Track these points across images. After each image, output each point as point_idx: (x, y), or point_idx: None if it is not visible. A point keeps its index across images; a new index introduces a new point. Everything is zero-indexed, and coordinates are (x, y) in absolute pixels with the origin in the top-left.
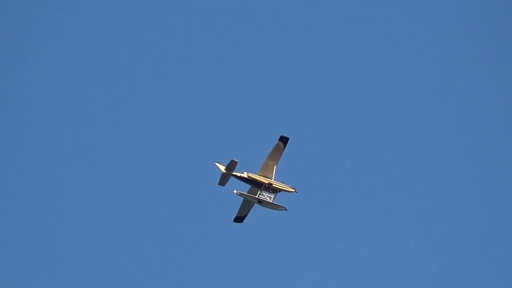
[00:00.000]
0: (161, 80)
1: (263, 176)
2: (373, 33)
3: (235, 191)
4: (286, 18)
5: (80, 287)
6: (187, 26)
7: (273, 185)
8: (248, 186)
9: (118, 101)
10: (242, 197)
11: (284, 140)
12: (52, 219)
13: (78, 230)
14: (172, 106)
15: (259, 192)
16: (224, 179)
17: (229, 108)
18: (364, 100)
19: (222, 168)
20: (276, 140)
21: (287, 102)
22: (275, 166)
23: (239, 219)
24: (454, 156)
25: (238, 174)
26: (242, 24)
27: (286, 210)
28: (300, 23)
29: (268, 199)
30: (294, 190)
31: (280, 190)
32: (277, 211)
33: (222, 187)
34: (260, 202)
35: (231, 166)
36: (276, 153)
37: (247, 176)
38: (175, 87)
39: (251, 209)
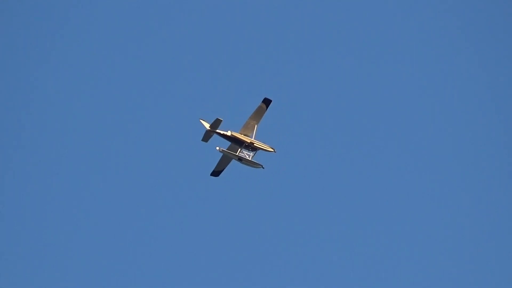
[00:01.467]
0: (153, 41)
1: (244, 135)
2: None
3: (217, 148)
4: None
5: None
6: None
7: (254, 144)
8: (228, 143)
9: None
10: (224, 153)
11: (267, 102)
12: (52, 219)
13: (71, 221)
14: (163, 65)
15: (239, 149)
16: (207, 135)
17: (216, 70)
18: (352, 69)
19: (207, 125)
20: (259, 101)
21: (273, 65)
22: (256, 126)
23: (216, 173)
24: (456, 152)
25: (222, 132)
26: None
27: (264, 168)
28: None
29: (247, 156)
30: (272, 150)
31: (259, 149)
32: (254, 168)
33: (204, 143)
34: (240, 159)
35: (215, 124)
36: (258, 114)
37: (230, 135)
38: (168, 49)
39: (227, 165)
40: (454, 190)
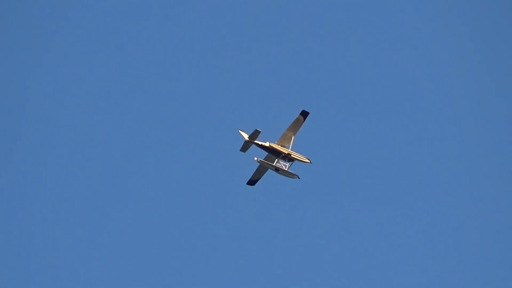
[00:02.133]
0: (186, 51)
1: (281, 146)
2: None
3: (255, 158)
4: None
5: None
6: None
7: (291, 155)
8: (265, 154)
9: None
10: (261, 164)
11: (304, 114)
12: (51, 218)
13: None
14: (203, 76)
15: (276, 160)
16: (246, 146)
17: (256, 82)
18: (383, 82)
19: (246, 136)
20: (297, 113)
21: (312, 78)
22: (293, 137)
23: (252, 182)
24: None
25: (260, 143)
26: None
27: (299, 178)
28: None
29: (284, 167)
30: (308, 161)
31: (295, 160)
32: (290, 178)
33: (243, 153)
34: (277, 169)
35: (254, 134)
36: (295, 126)
37: (268, 146)
38: (203, 58)
39: (263, 174)
40: (454, 190)
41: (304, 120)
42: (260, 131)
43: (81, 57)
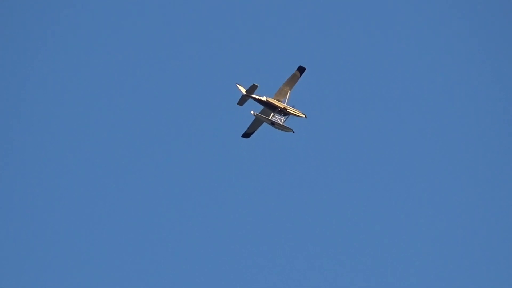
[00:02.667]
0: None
1: (277, 100)
2: None
3: (252, 112)
4: None
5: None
6: None
7: (287, 109)
8: (261, 108)
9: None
10: (258, 117)
11: (301, 70)
12: (50, 218)
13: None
14: (203, 34)
15: (272, 114)
16: (243, 99)
17: (253, 37)
18: (381, 46)
19: (243, 90)
20: (294, 69)
21: (309, 34)
22: (289, 92)
23: (247, 135)
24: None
25: (257, 97)
26: None
27: (294, 132)
28: None
29: (280, 121)
30: (304, 115)
31: (291, 114)
32: (285, 132)
33: (239, 106)
34: (272, 123)
35: (251, 89)
36: (291, 81)
37: (265, 100)
38: (211, 17)
39: (258, 128)
40: (453, 191)
41: (301, 75)
42: (257, 86)
43: (70, 57)
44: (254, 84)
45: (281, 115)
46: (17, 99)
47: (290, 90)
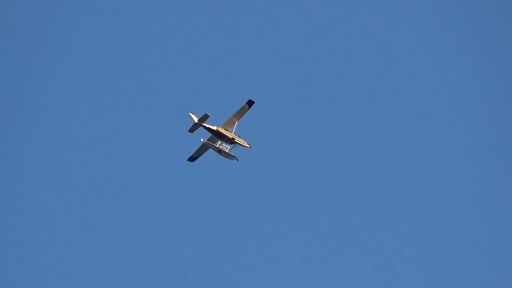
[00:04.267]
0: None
1: (225, 129)
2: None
3: (202, 140)
4: None
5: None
6: None
7: (235, 139)
8: (209, 135)
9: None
10: (207, 144)
11: (250, 103)
12: (49, 217)
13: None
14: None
15: (219, 142)
16: (194, 127)
17: (209, 69)
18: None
19: (196, 118)
20: (243, 102)
21: (261, 70)
22: (236, 123)
23: (192, 159)
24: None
25: (208, 126)
26: None
27: (238, 160)
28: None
29: (225, 149)
30: (248, 146)
31: (237, 143)
32: (229, 160)
33: (190, 133)
34: (219, 151)
35: (203, 118)
36: (240, 113)
37: (215, 129)
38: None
39: (203, 153)
40: (454, 191)
41: (249, 108)
42: (209, 115)
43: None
44: (206, 114)
45: (227, 143)
46: (17, 99)
47: (237, 121)
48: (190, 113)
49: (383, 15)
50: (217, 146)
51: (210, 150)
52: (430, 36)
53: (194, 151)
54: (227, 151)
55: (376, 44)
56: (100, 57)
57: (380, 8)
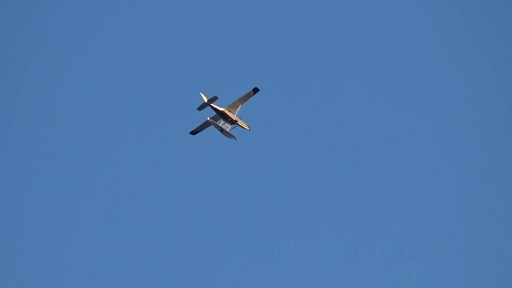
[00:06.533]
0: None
1: (229, 111)
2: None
3: (208, 118)
4: None
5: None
6: None
7: (237, 121)
8: (214, 114)
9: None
10: (211, 123)
11: (255, 90)
12: (49, 217)
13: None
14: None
15: (222, 122)
16: (203, 106)
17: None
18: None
19: (205, 98)
20: (250, 88)
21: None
22: (240, 106)
23: (194, 132)
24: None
25: (216, 107)
26: None
27: (235, 140)
28: None
29: (227, 128)
30: (248, 128)
31: (238, 125)
32: (228, 138)
33: (198, 111)
34: (222, 130)
35: (213, 99)
36: (245, 97)
37: (222, 110)
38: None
39: (204, 129)
40: (454, 191)
41: (254, 95)
42: (218, 97)
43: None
44: (215, 96)
45: (229, 124)
46: (17, 99)
47: (241, 104)
48: (201, 93)
49: (386, 14)
50: (220, 125)
51: (211, 127)
52: (432, 36)
53: (197, 126)
54: (228, 130)
55: (376, 44)
56: (117, 37)
57: (382, 7)
